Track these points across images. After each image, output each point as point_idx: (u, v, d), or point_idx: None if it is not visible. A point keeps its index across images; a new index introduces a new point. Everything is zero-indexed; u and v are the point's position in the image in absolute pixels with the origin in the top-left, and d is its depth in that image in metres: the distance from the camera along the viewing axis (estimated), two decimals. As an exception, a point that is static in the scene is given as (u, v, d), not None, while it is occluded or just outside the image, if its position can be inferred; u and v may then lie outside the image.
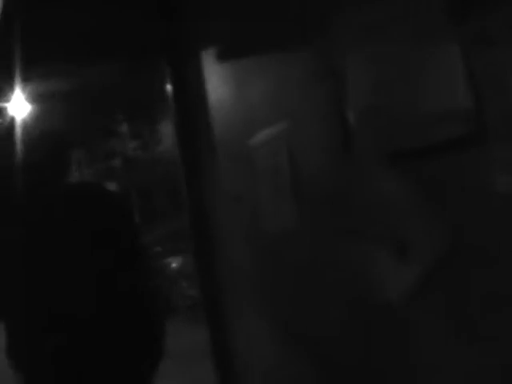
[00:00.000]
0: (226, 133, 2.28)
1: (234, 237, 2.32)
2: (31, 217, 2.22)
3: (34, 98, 16.94)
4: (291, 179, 1.85)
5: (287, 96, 1.90)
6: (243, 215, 2.25)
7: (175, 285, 8.31)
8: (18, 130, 2.99)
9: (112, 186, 29.40)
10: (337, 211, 1.70)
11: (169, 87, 2.72)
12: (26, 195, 2.25)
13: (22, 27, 2.68)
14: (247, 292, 2.28)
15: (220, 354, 2.45)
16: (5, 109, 16.02)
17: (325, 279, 1.77)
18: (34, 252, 2.20)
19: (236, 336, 2.32)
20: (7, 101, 15.81)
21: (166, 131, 25.91)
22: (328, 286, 1.76)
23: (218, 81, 2.34)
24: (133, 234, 2.45)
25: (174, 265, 8.77)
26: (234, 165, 2.22)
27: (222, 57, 2.29)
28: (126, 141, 26.16)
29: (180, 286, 8.33)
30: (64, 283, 2.17)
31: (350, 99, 1.60)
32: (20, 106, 15.02)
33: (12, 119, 12.85)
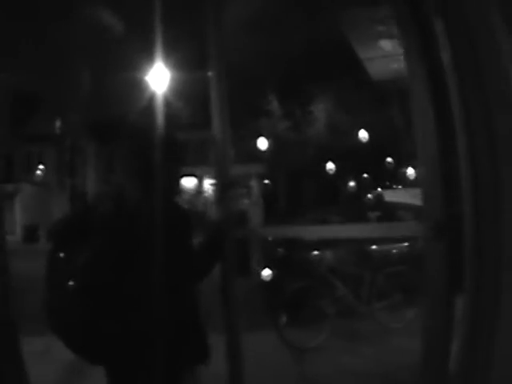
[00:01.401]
0: None
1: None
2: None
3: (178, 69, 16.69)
4: None
5: None
6: None
7: (325, 284, 6.78)
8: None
9: (259, 167, 29.24)
10: None
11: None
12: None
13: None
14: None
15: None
16: (145, 81, 15.89)
17: None
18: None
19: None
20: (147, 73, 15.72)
21: (319, 113, 25.04)
22: None
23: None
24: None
25: (325, 260, 7.33)
26: None
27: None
28: (276, 121, 25.47)
29: (331, 286, 6.77)
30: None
31: None
32: (161, 79, 14.67)
33: (153, 93, 12.11)
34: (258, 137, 25.79)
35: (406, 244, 7.88)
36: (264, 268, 8.24)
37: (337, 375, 5.07)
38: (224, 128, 3.05)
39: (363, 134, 22.67)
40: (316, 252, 7.51)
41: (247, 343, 5.79)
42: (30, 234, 29.97)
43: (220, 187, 2.99)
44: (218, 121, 3.00)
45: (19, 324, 2.56)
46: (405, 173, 27.83)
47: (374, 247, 8.03)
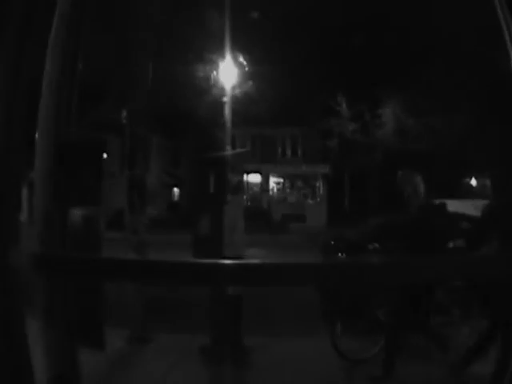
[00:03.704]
0: None
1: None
2: None
3: (248, 67, 16.77)
4: None
5: None
6: None
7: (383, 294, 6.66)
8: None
9: (324, 168, 29.15)
10: None
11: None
12: None
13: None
14: None
15: None
16: (215, 77, 16.10)
17: None
18: None
19: None
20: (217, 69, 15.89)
21: (387, 117, 24.68)
22: None
23: None
24: None
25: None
26: None
27: None
28: (345, 122, 25.31)
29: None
30: None
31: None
32: (231, 74, 14.82)
33: (222, 88, 12.42)
34: (326, 137, 25.73)
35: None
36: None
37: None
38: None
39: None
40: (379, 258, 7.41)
41: (300, 348, 5.87)
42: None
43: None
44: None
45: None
46: (469, 183, 27.03)
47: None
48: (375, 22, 21.71)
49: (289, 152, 31.10)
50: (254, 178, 31.48)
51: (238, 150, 27.19)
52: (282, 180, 31.52)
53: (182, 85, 20.52)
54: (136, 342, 5.99)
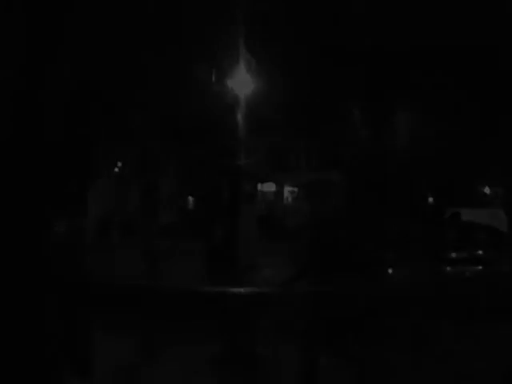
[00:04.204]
0: None
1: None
2: None
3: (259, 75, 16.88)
4: None
5: None
6: None
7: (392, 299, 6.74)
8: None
9: (336, 175, 29.16)
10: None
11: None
12: None
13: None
14: None
15: None
16: (230, 87, 16.25)
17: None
18: None
19: None
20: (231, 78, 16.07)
21: (400, 124, 24.67)
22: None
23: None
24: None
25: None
26: None
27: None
28: (356, 129, 25.30)
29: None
30: None
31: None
32: (244, 84, 15.00)
33: (236, 96, 12.63)
34: (337, 144, 25.73)
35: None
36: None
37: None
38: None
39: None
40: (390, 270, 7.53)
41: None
42: (101, 228, 30.52)
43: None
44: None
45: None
46: (482, 191, 26.87)
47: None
48: (389, 27, 21.75)
49: (303, 160, 31.17)
50: (268, 187, 31.53)
51: (252, 159, 27.24)
52: (295, 188, 31.58)
53: (195, 92, 20.65)
54: (147, 352, 6.03)
